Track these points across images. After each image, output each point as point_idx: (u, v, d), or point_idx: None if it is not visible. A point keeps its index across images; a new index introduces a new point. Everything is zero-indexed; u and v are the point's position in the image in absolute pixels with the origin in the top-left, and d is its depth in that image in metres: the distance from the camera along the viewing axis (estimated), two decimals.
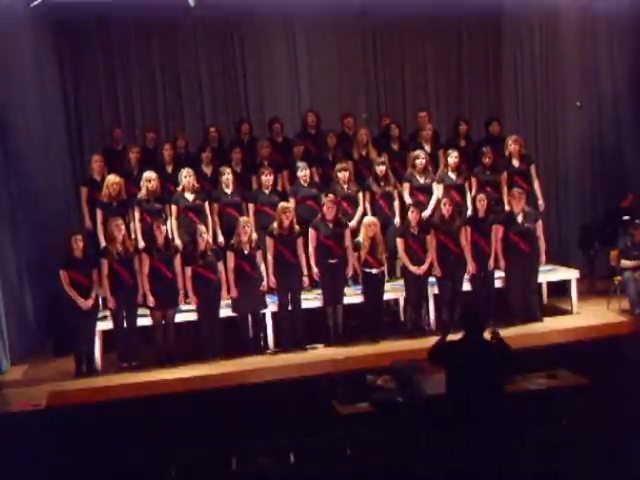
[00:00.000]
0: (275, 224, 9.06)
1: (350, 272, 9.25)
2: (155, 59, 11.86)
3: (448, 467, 5.78)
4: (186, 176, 9.46)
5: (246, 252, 8.92)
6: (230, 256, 8.92)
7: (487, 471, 5.72)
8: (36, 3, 9.91)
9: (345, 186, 9.76)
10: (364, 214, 9.69)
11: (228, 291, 8.95)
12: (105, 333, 8.95)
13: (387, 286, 9.42)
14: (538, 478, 5.78)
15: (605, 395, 7.08)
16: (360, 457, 6.48)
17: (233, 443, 6.89)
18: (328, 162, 10.30)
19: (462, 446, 5.88)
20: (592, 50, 12.04)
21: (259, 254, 9.02)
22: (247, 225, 8.98)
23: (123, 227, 8.79)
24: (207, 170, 10.11)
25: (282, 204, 9.19)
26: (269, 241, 9.02)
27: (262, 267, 9.02)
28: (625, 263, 9.59)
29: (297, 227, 9.12)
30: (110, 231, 8.79)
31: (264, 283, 9.00)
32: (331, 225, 9.16)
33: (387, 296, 9.45)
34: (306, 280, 9.15)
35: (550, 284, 10.20)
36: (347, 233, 9.25)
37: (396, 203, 9.95)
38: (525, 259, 9.34)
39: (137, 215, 9.41)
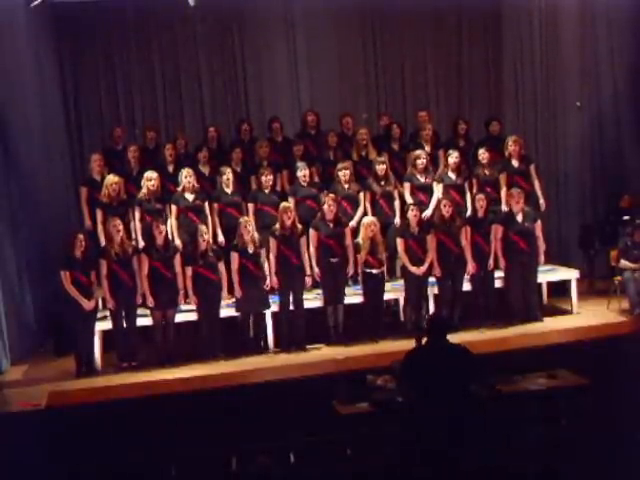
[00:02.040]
0: (277, 225, 9.06)
1: (351, 271, 9.25)
2: (155, 59, 11.87)
3: (448, 467, 5.78)
4: (186, 176, 9.46)
5: (251, 251, 8.93)
6: (234, 256, 8.91)
7: (487, 471, 5.72)
8: (36, 3, 9.91)
9: (346, 186, 9.76)
10: (365, 214, 9.69)
11: (230, 291, 8.95)
12: (105, 333, 8.95)
13: (387, 286, 9.41)
14: (538, 478, 5.79)
15: (605, 395, 7.08)
16: (360, 457, 6.49)
17: (233, 443, 6.89)
18: (328, 162, 10.30)
19: (462, 446, 5.87)
20: (592, 50, 12.03)
21: (262, 253, 9.02)
22: (248, 224, 8.97)
23: (121, 228, 8.78)
24: (204, 170, 10.10)
25: (283, 204, 9.18)
26: (272, 242, 9.01)
27: (265, 266, 9.02)
28: (625, 263, 9.59)
29: (299, 227, 9.12)
30: (108, 232, 8.79)
31: (267, 282, 9.00)
32: (331, 225, 9.16)
33: (387, 296, 9.44)
34: (309, 280, 9.15)
35: (550, 284, 10.20)
36: (347, 232, 9.25)
37: (397, 203, 9.95)
38: (524, 259, 9.34)
39: (137, 215, 9.41)
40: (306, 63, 12.18)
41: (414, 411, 6.16)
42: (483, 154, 10.04)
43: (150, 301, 8.71)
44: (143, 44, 11.81)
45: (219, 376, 8.38)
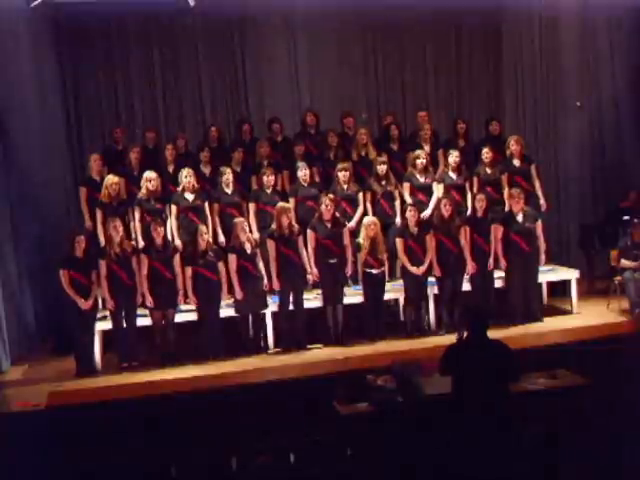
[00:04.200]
0: (274, 225, 9.06)
1: (350, 271, 9.24)
2: (155, 59, 11.87)
3: (447, 467, 5.78)
4: (186, 176, 9.46)
5: (249, 252, 8.92)
6: (232, 258, 8.90)
7: (487, 471, 5.72)
8: (36, 3, 9.92)
9: (345, 186, 9.75)
10: (365, 214, 9.69)
11: (229, 292, 8.94)
12: (105, 333, 8.96)
13: (387, 286, 9.41)
14: (538, 478, 5.79)
15: (605, 395, 7.08)
16: (360, 457, 6.49)
17: (233, 443, 6.89)
18: (328, 162, 10.30)
19: (461, 446, 5.87)
20: (592, 50, 12.04)
21: (258, 253, 9.02)
22: (244, 225, 8.98)
23: (121, 228, 8.79)
24: (205, 170, 10.11)
25: (280, 204, 9.17)
26: (270, 243, 9.01)
27: (261, 265, 9.01)
28: (625, 263, 9.58)
29: (296, 226, 9.12)
30: (108, 232, 8.79)
31: (265, 282, 9.00)
32: (329, 225, 9.14)
33: (387, 296, 9.44)
34: (310, 278, 9.14)
35: (550, 284, 10.20)
36: (345, 232, 9.24)
37: (397, 203, 9.95)
38: (525, 259, 9.34)
39: (137, 215, 9.41)
40: (306, 63, 12.19)
41: (455, 407, 6.11)
42: (487, 153, 10.04)
43: (149, 301, 8.71)
44: (143, 44, 11.80)
45: (219, 376, 8.38)
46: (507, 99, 12.62)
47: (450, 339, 6.44)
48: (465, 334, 6.28)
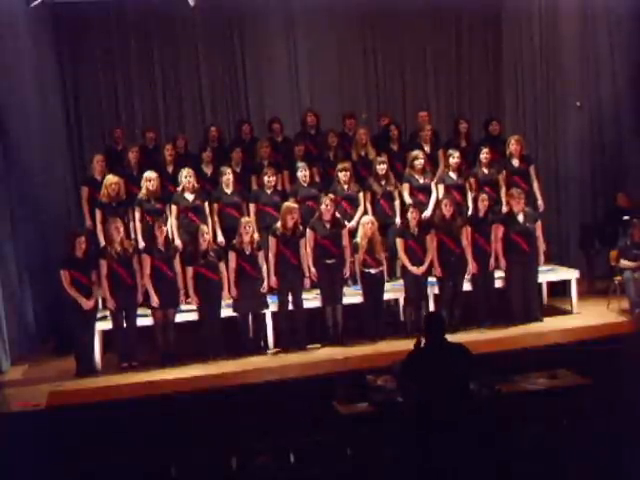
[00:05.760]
0: (279, 224, 9.05)
1: (348, 272, 9.24)
2: (155, 59, 11.88)
3: (447, 467, 5.78)
4: (186, 176, 9.47)
5: (248, 252, 8.92)
6: (232, 256, 8.91)
7: (487, 471, 5.72)
8: (36, 3, 9.93)
9: (346, 186, 9.75)
10: (365, 214, 9.68)
11: (229, 291, 8.95)
12: (105, 333, 8.96)
13: (387, 286, 9.41)
14: (538, 478, 5.79)
15: (605, 395, 7.08)
16: (360, 457, 6.49)
17: (233, 443, 6.89)
18: (328, 162, 10.30)
19: (462, 446, 5.87)
20: (592, 50, 12.03)
21: (261, 254, 9.02)
22: (248, 225, 8.97)
23: (122, 228, 8.80)
24: (207, 170, 10.12)
25: (287, 204, 9.16)
26: (272, 241, 9.01)
27: (264, 268, 9.01)
28: (624, 262, 9.58)
29: (301, 228, 9.11)
30: (109, 232, 8.79)
31: (265, 285, 8.99)
32: (328, 225, 9.14)
33: (387, 296, 9.44)
34: (307, 282, 9.14)
35: (550, 284, 10.20)
36: (345, 233, 9.24)
37: (397, 203, 9.94)
38: (525, 259, 9.33)
39: (137, 215, 9.42)
40: (306, 63, 12.20)
41: (414, 411, 6.14)
42: (486, 154, 10.03)
43: (155, 301, 8.71)
44: (143, 44, 11.81)
45: (219, 376, 8.38)
46: (507, 98, 12.62)
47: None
48: (423, 340, 6.30)
